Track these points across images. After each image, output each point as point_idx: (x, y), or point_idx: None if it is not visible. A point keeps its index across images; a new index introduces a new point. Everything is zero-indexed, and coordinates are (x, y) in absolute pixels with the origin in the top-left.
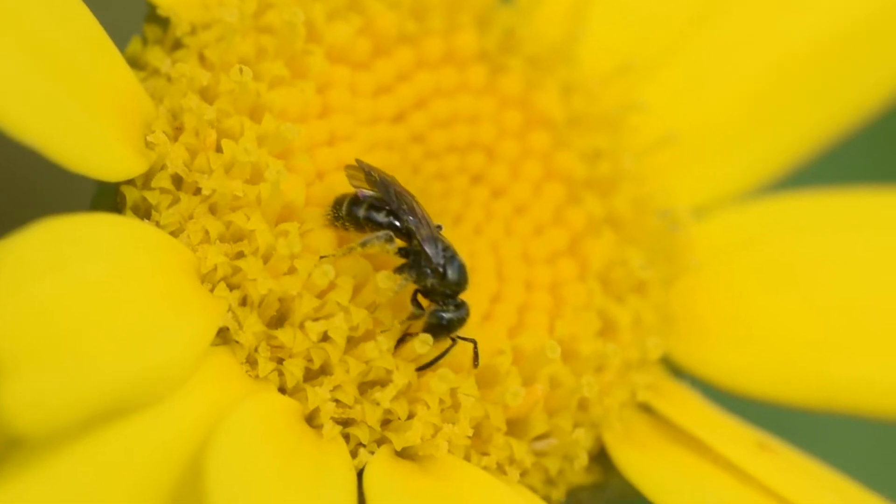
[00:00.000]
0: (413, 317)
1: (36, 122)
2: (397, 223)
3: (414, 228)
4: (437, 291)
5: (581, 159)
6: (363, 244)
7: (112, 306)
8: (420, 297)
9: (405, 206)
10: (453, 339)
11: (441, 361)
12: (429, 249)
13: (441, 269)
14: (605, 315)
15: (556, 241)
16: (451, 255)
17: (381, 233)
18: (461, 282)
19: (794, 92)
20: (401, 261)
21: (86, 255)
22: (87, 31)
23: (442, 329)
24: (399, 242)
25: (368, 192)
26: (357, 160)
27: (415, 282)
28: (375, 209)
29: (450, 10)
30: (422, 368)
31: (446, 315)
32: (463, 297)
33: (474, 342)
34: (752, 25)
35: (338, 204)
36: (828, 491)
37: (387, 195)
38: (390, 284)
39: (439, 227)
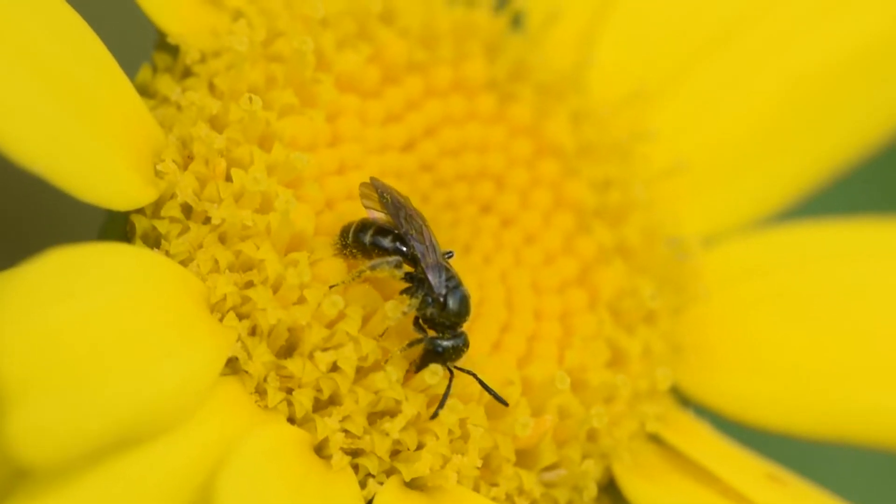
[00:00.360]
0: (414, 343)
1: (45, 150)
2: (404, 248)
3: (420, 255)
4: (437, 321)
5: (591, 188)
6: (372, 267)
7: (121, 336)
8: (422, 323)
9: (413, 232)
10: (451, 371)
11: (452, 393)
12: (432, 278)
13: (441, 300)
14: (614, 345)
15: (565, 271)
16: (454, 286)
17: (391, 258)
18: (461, 313)
19: (803, 120)
20: (406, 286)
21: (95, 284)
22: (97, 58)
23: (437, 357)
24: (406, 268)
25: (378, 214)
26: (372, 178)
27: (416, 309)
28: (381, 234)
29: (459, 39)
30: (434, 414)
31: (443, 343)
32: (471, 326)
33: (473, 374)
34: (760, 54)
35: (345, 232)
36: None
37: (396, 218)
38: (398, 311)
39: (450, 255)
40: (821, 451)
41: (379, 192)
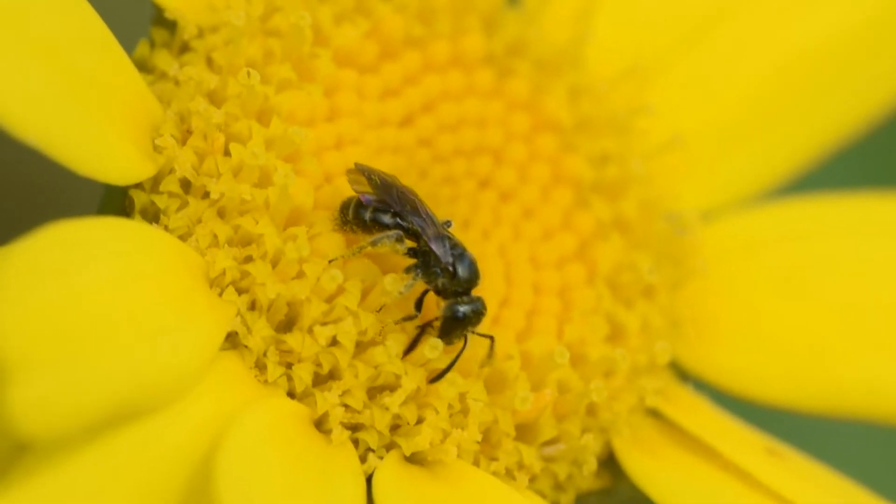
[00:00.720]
0: (407, 318)
1: (43, 124)
2: (404, 224)
3: (420, 229)
4: (449, 290)
5: (589, 163)
6: (373, 243)
7: (120, 310)
8: (435, 297)
9: (409, 207)
10: (466, 339)
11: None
12: (436, 248)
13: (451, 268)
14: (613, 319)
15: (564, 245)
16: (459, 253)
17: (392, 232)
18: (472, 278)
19: (801, 94)
20: (410, 262)
21: (94, 259)
22: (95, 34)
23: (458, 323)
24: (408, 243)
25: (371, 196)
26: (356, 164)
27: (426, 282)
28: (381, 211)
29: (457, 14)
30: (436, 379)
31: (461, 308)
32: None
33: (492, 338)
34: (757, 28)
35: (345, 207)
36: (837, 497)
37: (389, 197)
38: (397, 286)
39: (448, 224)
40: (819, 425)
41: (366, 175)
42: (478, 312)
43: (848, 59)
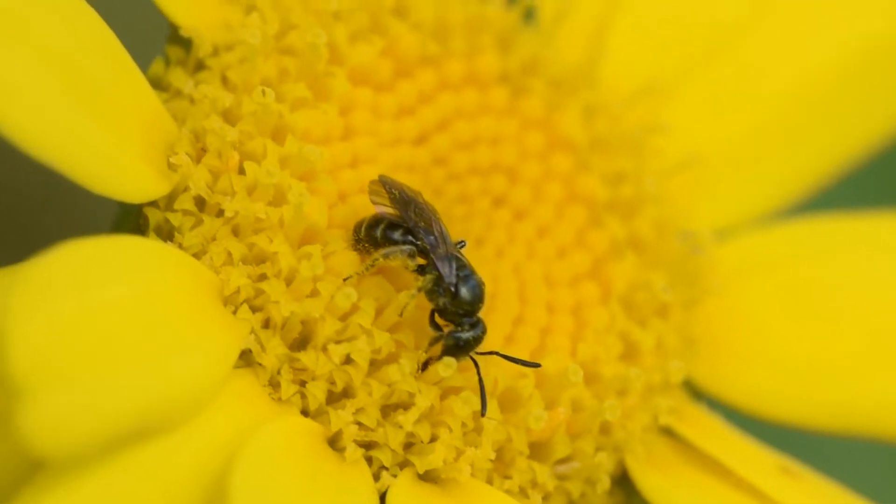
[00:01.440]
0: (434, 341)
1: (58, 142)
2: (415, 241)
3: (430, 247)
4: (450, 311)
5: (603, 181)
6: (385, 255)
7: (134, 328)
8: (437, 318)
9: (423, 224)
10: (473, 359)
11: (464, 384)
12: (442, 269)
13: (453, 289)
14: (627, 338)
15: (578, 264)
16: (465, 275)
17: (405, 246)
18: (474, 301)
19: (817, 112)
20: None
21: (109, 277)
22: (110, 51)
23: (459, 350)
24: (419, 260)
25: (387, 210)
26: (380, 176)
27: (429, 300)
28: (392, 228)
29: (471, 32)
30: (483, 412)
31: (463, 336)
32: (484, 318)
33: (495, 353)
34: (773, 46)
35: (357, 227)
36: None
37: (404, 213)
38: (409, 297)
39: (462, 244)
40: (834, 444)
41: (387, 188)
42: (477, 339)
43: (864, 76)
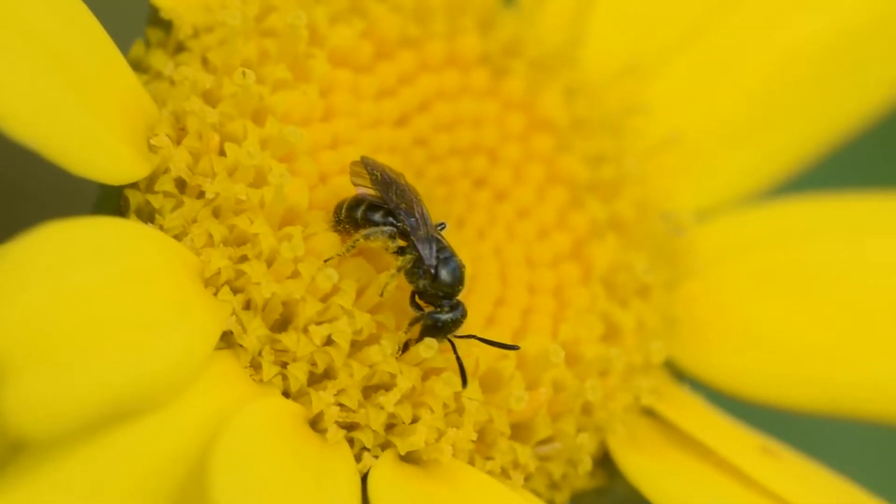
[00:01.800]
0: (414, 321)
1: (38, 124)
2: (395, 223)
3: (410, 229)
4: (430, 293)
5: (584, 162)
6: (366, 236)
7: (115, 309)
8: (418, 300)
9: (404, 206)
10: (451, 341)
11: (445, 365)
12: (422, 250)
13: (433, 271)
14: (608, 319)
15: (559, 245)
16: (445, 257)
17: (386, 227)
18: (454, 284)
19: (797, 93)
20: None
21: (89, 258)
22: (90, 33)
23: (438, 331)
24: (399, 241)
25: (368, 192)
26: (362, 157)
27: (409, 282)
28: (373, 210)
29: (452, 14)
30: (464, 385)
31: (441, 317)
32: (465, 300)
33: (473, 336)
34: (754, 26)
35: (338, 208)
36: (832, 495)
37: (385, 195)
38: (386, 278)
39: (442, 226)
40: (814, 424)
41: (369, 169)
42: (456, 321)
43: (845, 58)
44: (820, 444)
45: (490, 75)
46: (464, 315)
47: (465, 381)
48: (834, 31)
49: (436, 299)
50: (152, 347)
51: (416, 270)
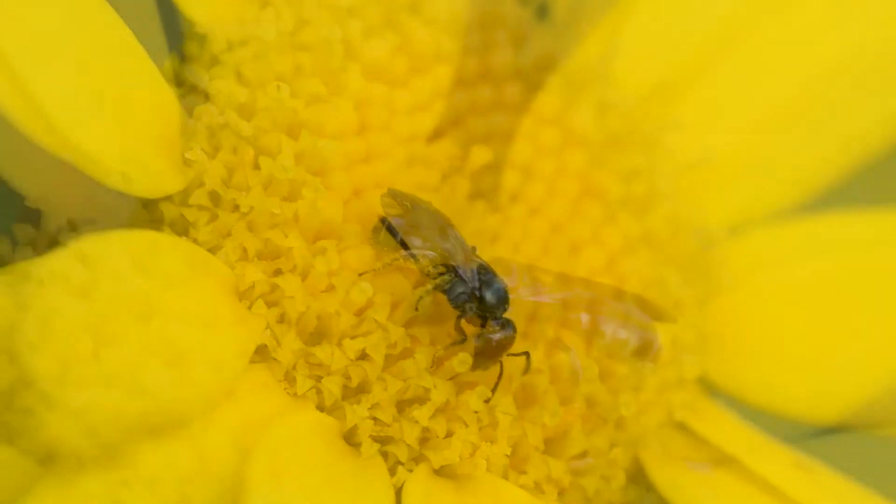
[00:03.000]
0: (456, 343)
1: (74, 137)
2: (432, 249)
3: (448, 254)
4: (478, 316)
5: (617, 178)
6: (405, 257)
7: (150, 323)
8: (464, 323)
9: (438, 233)
10: (500, 364)
11: (479, 380)
12: (464, 274)
13: (478, 294)
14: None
15: (592, 260)
16: (487, 278)
17: (427, 251)
18: (500, 303)
19: (831, 110)
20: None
21: (125, 272)
22: (126, 47)
23: (493, 352)
24: (440, 268)
25: (400, 219)
26: (390, 189)
27: (454, 308)
28: (411, 236)
29: (486, 29)
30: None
31: (495, 337)
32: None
33: (527, 354)
34: (787, 44)
35: (377, 228)
36: None
37: (417, 222)
38: (421, 292)
39: (473, 249)
40: (847, 440)
41: (398, 200)
42: (510, 338)
43: (878, 74)
44: (852, 460)
45: (523, 90)
46: (515, 332)
47: (492, 395)
48: (867, 44)
49: (483, 321)
50: (187, 361)
51: (461, 294)
